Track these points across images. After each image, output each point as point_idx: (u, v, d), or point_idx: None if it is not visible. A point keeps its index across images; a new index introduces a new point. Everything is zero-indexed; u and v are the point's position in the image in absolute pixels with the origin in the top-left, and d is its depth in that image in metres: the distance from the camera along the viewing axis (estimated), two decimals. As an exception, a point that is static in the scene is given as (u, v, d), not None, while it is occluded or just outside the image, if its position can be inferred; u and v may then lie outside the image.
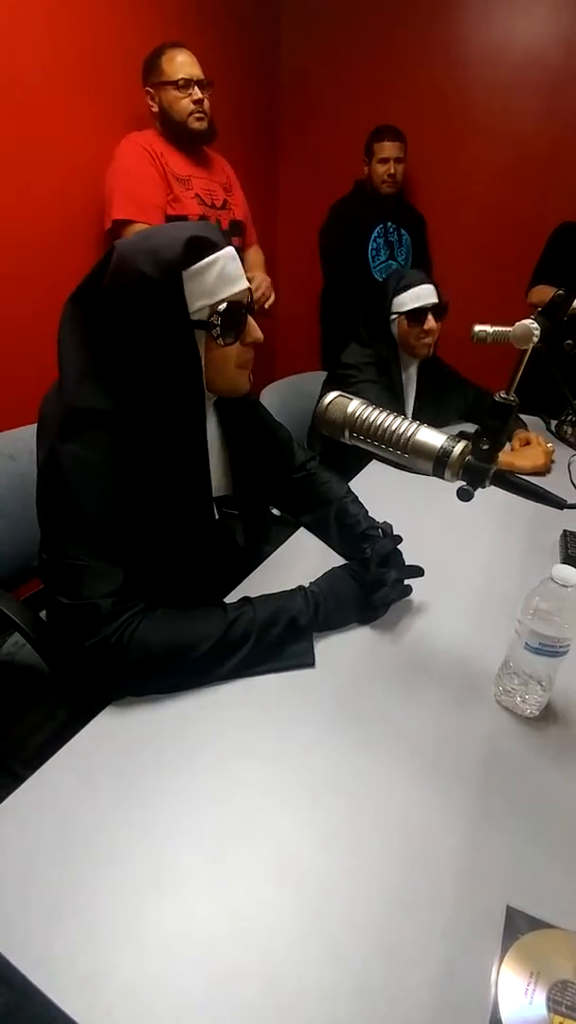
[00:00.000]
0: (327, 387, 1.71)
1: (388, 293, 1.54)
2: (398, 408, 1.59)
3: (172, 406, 0.80)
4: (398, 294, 1.52)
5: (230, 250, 0.79)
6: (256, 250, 2.15)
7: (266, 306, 2.00)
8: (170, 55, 1.70)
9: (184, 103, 1.72)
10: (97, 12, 1.76)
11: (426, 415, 1.59)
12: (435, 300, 1.52)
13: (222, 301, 0.78)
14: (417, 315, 1.51)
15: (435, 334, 1.54)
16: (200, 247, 0.75)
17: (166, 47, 1.71)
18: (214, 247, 0.77)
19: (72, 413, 0.77)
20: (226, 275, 0.78)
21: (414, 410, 1.66)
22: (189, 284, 0.76)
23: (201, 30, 2.10)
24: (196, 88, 1.71)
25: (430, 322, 1.51)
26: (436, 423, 1.72)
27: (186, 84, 1.70)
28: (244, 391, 0.90)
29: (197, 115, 1.74)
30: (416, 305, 1.50)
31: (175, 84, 1.69)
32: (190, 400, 0.82)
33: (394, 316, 1.53)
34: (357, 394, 1.52)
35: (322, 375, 1.82)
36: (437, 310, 1.52)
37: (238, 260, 0.81)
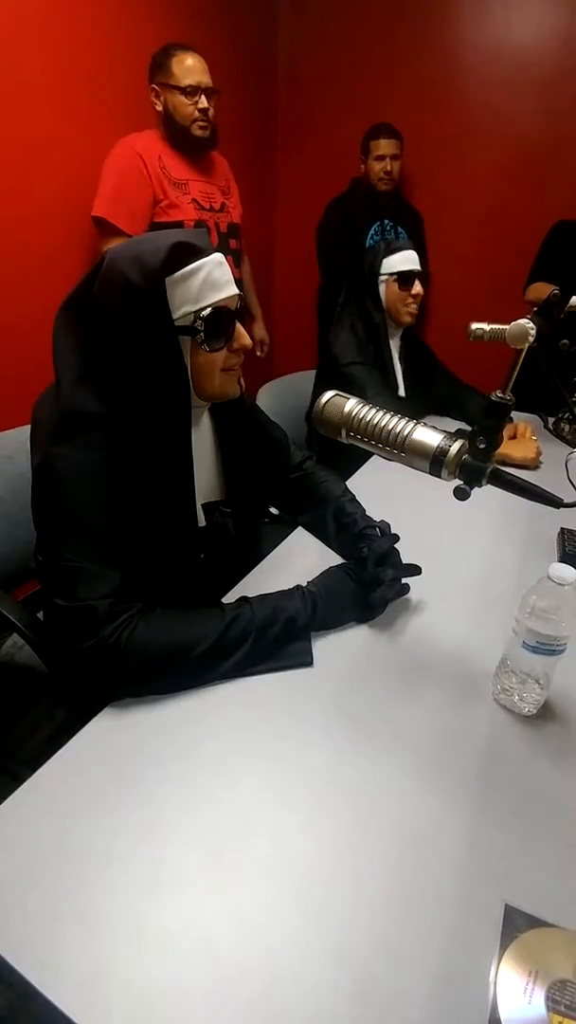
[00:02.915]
0: (318, 378, 1.72)
1: (377, 256, 1.57)
2: (389, 381, 1.63)
3: (158, 411, 0.80)
4: (387, 256, 1.56)
5: (217, 256, 0.79)
6: (246, 263, 2.16)
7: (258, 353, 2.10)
8: (180, 57, 1.68)
9: (189, 109, 1.71)
10: (94, 12, 1.76)
11: (416, 389, 1.67)
12: (419, 268, 1.58)
13: (207, 307, 0.78)
14: (407, 278, 1.55)
15: (419, 300, 1.60)
16: (183, 253, 0.75)
17: (176, 48, 1.69)
18: (199, 253, 0.76)
19: (67, 416, 0.77)
20: (211, 281, 0.78)
21: (404, 381, 1.70)
22: (173, 290, 0.75)
23: (198, 28, 2.09)
24: (203, 96, 1.70)
25: (417, 286, 1.56)
26: (426, 398, 1.71)
27: (193, 91, 1.68)
28: (234, 396, 0.89)
29: (200, 123, 1.74)
30: (406, 268, 1.55)
31: (183, 90, 1.68)
32: (175, 406, 0.82)
33: (383, 278, 1.57)
34: (348, 377, 1.56)
35: (319, 374, 1.82)
36: (422, 278, 1.58)
37: (226, 266, 0.80)
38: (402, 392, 1.68)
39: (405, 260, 1.55)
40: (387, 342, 1.64)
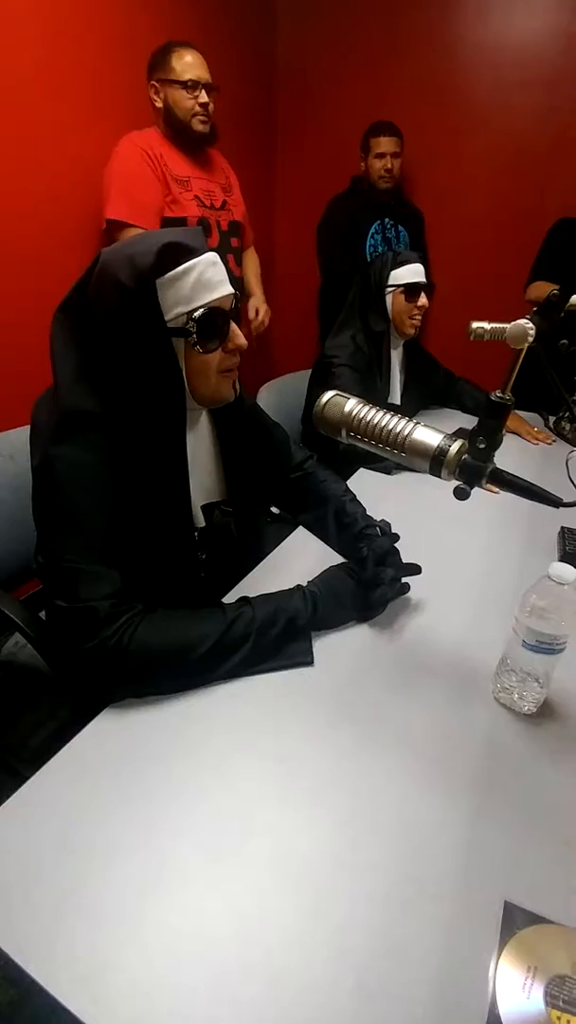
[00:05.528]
0: (311, 379, 1.74)
1: (385, 267, 1.58)
2: (380, 387, 1.66)
3: (153, 413, 0.80)
4: (395, 268, 1.57)
5: (210, 256, 0.78)
6: (252, 254, 2.16)
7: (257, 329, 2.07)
8: (180, 53, 1.70)
9: (189, 103, 1.72)
10: (93, 11, 1.75)
11: (412, 397, 1.70)
12: (425, 280, 1.59)
13: (199, 308, 0.77)
14: (413, 290, 1.56)
15: (423, 312, 1.61)
16: (174, 254, 0.74)
17: (176, 45, 1.71)
18: (191, 253, 0.75)
19: (66, 417, 0.77)
20: (204, 281, 0.77)
21: (401, 390, 1.72)
22: (164, 292, 0.75)
23: (198, 26, 2.09)
24: (203, 91, 1.72)
25: (423, 299, 1.58)
26: (422, 404, 1.76)
27: (194, 85, 1.70)
28: (228, 399, 0.88)
29: (201, 118, 1.75)
30: (414, 280, 1.56)
31: (183, 84, 1.69)
32: (170, 408, 0.81)
33: (390, 290, 1.58)
34: (333, 375, 1.57)
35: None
36: (428, 290, 1.60)
37: (220, 265, 0.80)
38: (397, 400, 1.70)
39: (412, 273, 1.56)
40: (388, 352, 1.65)
